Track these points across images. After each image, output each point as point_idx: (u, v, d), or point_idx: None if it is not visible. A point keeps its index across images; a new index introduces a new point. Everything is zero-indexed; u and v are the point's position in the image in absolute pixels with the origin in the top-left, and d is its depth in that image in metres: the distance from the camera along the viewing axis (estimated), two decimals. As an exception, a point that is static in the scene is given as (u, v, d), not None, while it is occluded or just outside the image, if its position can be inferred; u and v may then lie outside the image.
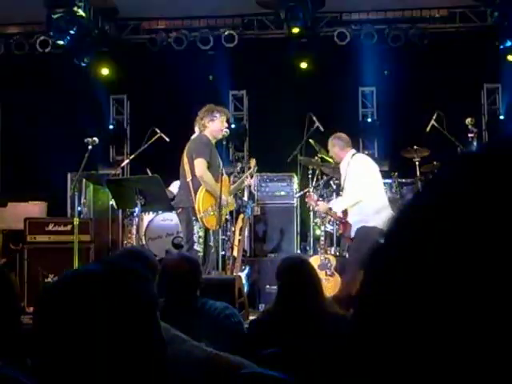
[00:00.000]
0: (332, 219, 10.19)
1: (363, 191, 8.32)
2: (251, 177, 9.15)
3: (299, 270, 4.79)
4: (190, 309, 4.40)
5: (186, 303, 4.46)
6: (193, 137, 8.59)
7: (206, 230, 8.31)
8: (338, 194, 10.31)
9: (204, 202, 8.18)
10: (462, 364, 0.62)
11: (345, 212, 8.80)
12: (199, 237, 8.24)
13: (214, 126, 8.50)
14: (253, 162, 9.71)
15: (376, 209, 8.27)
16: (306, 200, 9.67)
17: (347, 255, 8.80)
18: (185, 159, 8.43)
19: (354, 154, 8.71)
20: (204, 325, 4.21)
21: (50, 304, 1.65)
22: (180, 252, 7.73)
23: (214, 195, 8.24)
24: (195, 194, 8.17)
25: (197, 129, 8.60)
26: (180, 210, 8.57)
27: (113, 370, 1.58)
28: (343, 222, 8.82)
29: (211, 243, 8.42)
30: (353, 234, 8.53)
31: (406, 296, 0.66)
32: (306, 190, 10.91)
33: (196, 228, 8.25)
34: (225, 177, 8.52)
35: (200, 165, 8.15)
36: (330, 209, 8.91)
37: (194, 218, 8.22)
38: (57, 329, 1.61)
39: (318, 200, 9.49)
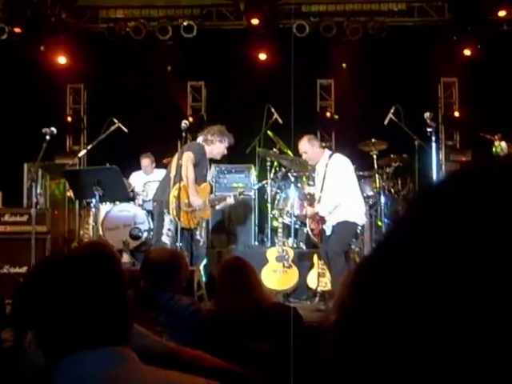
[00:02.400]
0: (289, 211, 10.25)
1: (345, 192, 8.38)
2: (234, 197, 9.19)
3: (237, 271, 4.81)
4: (157, 303, 4.41)
5: (156, 295, 4.47)
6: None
7: (183, 228, 8.40)
8: (296, 186, 10.34)
9: (178, 195, 8.26)
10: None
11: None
12: (168, 229, 8.47)
13: (219, 147, 8.84)
14: (241, 189, 9.78)
15: (355, 206, 8.51)
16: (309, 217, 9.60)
17: (324, 248, 8.73)
18: (176, 155, 8.65)
19: (331, 155, 8.66)
20: (169, 320, 4.22)
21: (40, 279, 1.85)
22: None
23: (188, 192, 8.31)
24: (173, 187, 8.27)
25: (200, 139, 8.85)
26: (155, 203, 8.87)
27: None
28: (320, 222, 8.88)
29: (198, 237, 8.67)
30: (329, 231, 8.58)
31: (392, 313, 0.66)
32: (264, 182, 10.93)
33: (167, 220, 8.48)
34: (207, 184, 8.90)
35: (187, 157, 8.34)
36: (317, 213, 8.92)
37: (165, 211, 8.43)
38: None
39: (305, 206, 9.61)
